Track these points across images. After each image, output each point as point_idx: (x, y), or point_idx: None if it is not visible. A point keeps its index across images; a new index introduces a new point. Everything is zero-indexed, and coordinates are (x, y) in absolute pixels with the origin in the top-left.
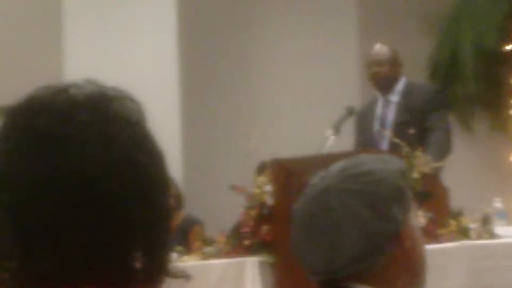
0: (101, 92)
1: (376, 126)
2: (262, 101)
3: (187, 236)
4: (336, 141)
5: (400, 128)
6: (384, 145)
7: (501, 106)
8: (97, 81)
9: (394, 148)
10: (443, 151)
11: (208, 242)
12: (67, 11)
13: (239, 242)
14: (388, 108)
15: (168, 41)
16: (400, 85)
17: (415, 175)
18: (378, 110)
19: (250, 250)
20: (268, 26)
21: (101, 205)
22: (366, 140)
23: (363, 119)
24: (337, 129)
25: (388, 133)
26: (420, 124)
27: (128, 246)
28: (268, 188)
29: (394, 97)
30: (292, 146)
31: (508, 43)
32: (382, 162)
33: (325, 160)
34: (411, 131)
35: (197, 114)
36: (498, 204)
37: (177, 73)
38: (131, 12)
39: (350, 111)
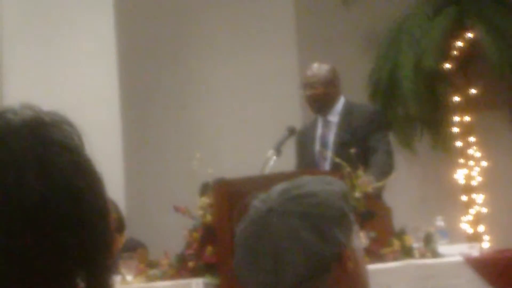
0: (38, 117)
1: (317, 146)
2: (203, 122)
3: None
4: (278, 161)
5: (341, 148)
6: (326, 165)
7: (441, 125)
8: (34, 106)
9: (336, 169)
10: (385, 172)
11: (152, 264)
12: (6, 36)
13: (184, 264)
14: (328, 129)
15: (107, 64)
16: (339, 105)
17: (357, 194)
18: (318, 130)
19: (194, 272)
20: (208, 46)
21: (39, 231)
22: (307, 161)
23: (304, 140)
24: (278, 150)
25: (329, 153)
26: (361, 144)
27: (67, 272)
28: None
29: (334, 118)
30: (234, 167)
31: (447, 62)
32: (324, 184)
33: (267, 181)
34: (353, 150)
35: (138, 136)
36: (440, 222)
37: (117, 95)
38: (70, 36)
39: (291, 131)
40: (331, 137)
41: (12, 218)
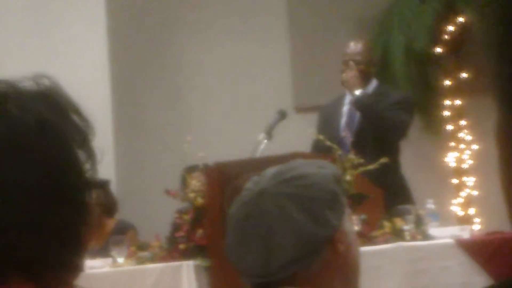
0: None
1: (343, 120)
2: (194, 106)
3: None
4: (269, 145)
5: (366, 128)
6: (348, 141)
7: (432, 108)
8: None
9: (358, 145)
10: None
11: (143, 247)
12: None
13: (175, 246)
14: None
15: (99, 50)
16: (371, 86)
17: (348, 177)
18: (345, 106)
19: (185, 254)
20: (198, 29)
21: (9, 201)
22: (332, 136)
23: (328, 115)
24: (269, 133)
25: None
26: None
27: (42, 241)
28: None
29: None
30: (225, 150)
31: (438, 45)
32: (316, 167)
33: (259, 163)
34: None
35: (129, 119)
36: (431, 205)
37: (108, 76)
38: (61, 26)
39: (282, 115)
40: (358, 114)
41: None
